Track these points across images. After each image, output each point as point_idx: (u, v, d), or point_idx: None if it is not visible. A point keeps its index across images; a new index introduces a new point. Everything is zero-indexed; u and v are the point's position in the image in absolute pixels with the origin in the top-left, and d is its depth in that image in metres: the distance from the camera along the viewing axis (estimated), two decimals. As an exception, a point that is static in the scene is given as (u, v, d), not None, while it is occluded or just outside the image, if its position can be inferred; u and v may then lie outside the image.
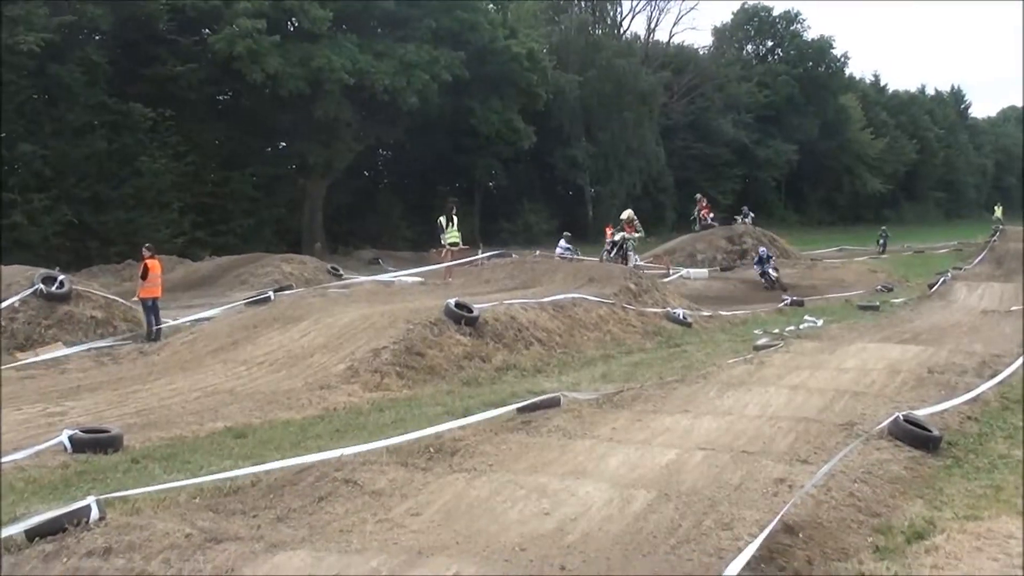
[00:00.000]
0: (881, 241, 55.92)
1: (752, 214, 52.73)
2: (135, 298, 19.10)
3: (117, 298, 22.20)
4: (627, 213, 30.93)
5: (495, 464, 9.47)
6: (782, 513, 7.41)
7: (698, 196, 50.59)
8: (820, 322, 23.96)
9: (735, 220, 51.61)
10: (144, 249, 21.39)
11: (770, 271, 34.68)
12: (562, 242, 36.13)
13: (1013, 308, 26.46)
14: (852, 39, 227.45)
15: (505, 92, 59.56)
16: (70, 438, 10.96)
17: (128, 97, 44.89)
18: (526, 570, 6.65)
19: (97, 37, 46.15)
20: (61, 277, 21.15)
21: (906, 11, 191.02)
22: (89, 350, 18.77)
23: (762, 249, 37.44)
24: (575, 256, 34.31)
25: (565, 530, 7.43)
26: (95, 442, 11.01)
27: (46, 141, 41.41)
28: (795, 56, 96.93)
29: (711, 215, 48.11)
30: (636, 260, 29.16)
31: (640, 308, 23.35)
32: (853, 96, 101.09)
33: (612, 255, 28.93)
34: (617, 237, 27.68)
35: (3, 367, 17.06)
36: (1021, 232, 47.76)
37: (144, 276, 20.47)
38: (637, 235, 28.58)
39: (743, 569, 6.46)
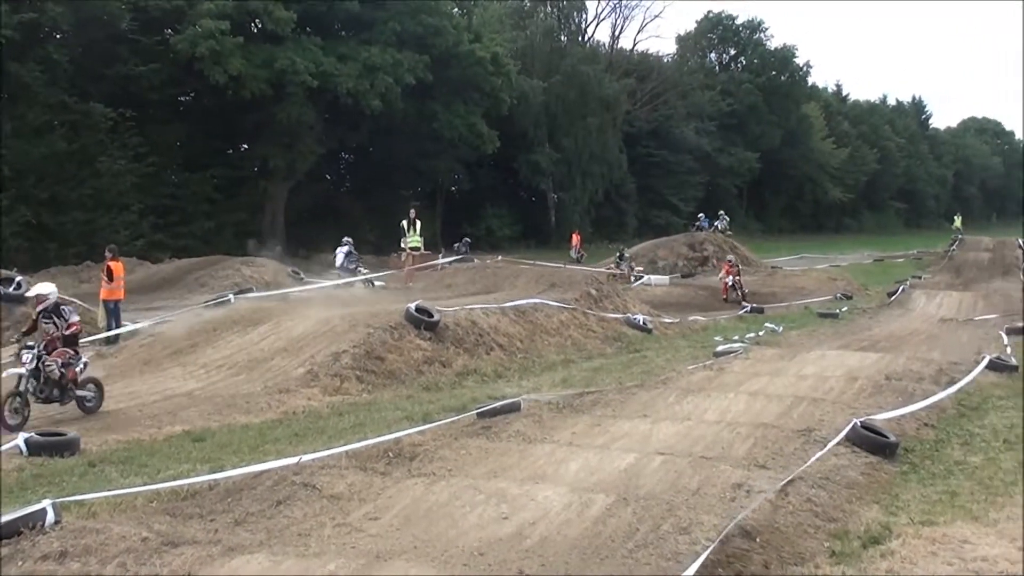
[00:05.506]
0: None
1: (727, 218, 52.92)
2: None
3: (75, 300, 21.97)
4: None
5: (454, 469, 9.48)
6: (739, 519, 7.46)
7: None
8: (780, 329, 24.12)
9: (695, 227, 51.56)
10: (107, 251, 21.22)
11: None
12: (343, 249, 29.99)
13: (976, 318, 26.80)
14: (815, 49, 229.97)
15: (469, 96, 59.38)
16: (26, 441, 10.83)
17: (89, 97, 44.54)
18: (484, 574, 6.65)
19: (58, 36, 45.75)
20: (19, 278, 20.94)
21: (869, 22, 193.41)
22: (46, 352, 18.50)
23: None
24: (359, 267, 30.02)
25: (523, 534, 7.45)
26: (51, 445, 10.88)
27: (4, 141, 40.94)
28: (758, 65, 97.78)
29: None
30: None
31: (601, 314, 23.40)
32: (815, 105, 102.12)
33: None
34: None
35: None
36: (986, 241, 49.05)
37: (110, 278, 20.32)
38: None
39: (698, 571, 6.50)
